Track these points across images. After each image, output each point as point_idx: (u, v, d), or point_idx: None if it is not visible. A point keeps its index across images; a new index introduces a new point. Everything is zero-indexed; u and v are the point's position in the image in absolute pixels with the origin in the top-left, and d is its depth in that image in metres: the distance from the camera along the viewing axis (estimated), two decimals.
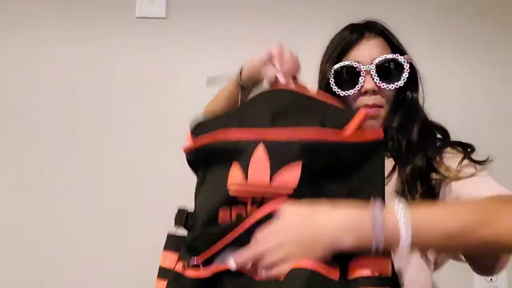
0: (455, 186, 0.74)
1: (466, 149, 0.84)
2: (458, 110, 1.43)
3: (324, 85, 0.84)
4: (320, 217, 0.52)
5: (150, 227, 1.32)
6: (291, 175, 0.53)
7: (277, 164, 0.53)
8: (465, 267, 1.37)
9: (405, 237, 0.49)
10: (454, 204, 0.65)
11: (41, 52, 1.40)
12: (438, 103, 1.40)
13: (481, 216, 0.53)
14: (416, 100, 0.84)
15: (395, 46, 0.84)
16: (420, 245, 0.54)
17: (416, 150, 0.77)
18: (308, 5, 1.47)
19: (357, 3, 1.47)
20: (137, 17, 1.43)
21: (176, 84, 1.40)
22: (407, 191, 0.74)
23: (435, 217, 0.52)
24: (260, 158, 0.54)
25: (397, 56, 0.81)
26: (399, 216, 0.50)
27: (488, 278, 1.33)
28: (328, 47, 0.90)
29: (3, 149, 1.34)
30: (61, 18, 1.42)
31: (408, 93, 0.84)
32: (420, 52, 1.49)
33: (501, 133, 1.42)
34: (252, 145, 0.55)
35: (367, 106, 0.80)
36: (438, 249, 0.64)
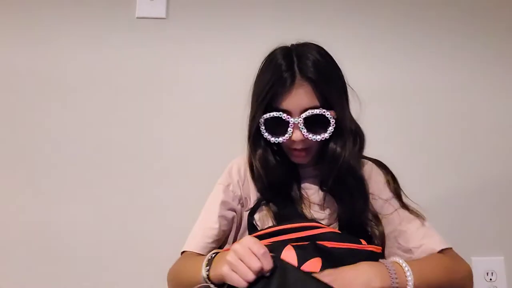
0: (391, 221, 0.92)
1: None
2: (458, 115, 1.43)
3: (254, 128, 0.91)
4: (353, 271, 0.72)
5: (150, 227, 1.32)
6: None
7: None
8: None
9: (410, 279, 0.73)
10: (430, 258, 0.84)
11: (41, 52, 1.40)
12: (438, 108, 1.42)
13: (449, 266, 0.84)
14: (339, 151, 0.89)
15: (323, 95, 0.87)
16: (420, 283, 0.74)
17: (340, 191, 0.90)
18: (308, 5, 1.47)
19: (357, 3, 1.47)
20: (137, 17, 1.43)
21: (176, 84, 1.40)
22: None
23: (425, 266, 0.79)
24: None
25: (324, 111, 0.86)
26: (403, 266, 0.75)
27: (488, 278, 1.33)
28: (260, 79, 0.94)
29: (5, 150, 1.34)
30: (61, 18, 1.42)
31: (331, 144, 0.89)
32: (421, 52, 1.49)
33: (501, 136, 1.43)
34: None
35: (295, 149, 0.90)
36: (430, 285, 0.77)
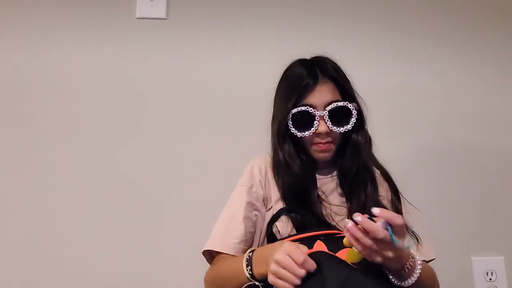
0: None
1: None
2: (458, 111, 1.43)
3: (283, 127, 0.96)
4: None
5: (151, 227, 1.32)
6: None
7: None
8: (465, 267, 1.38)
9: (418, 271, 0.78)
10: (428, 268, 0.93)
11: (41, 52, 1.40)
12: (439, 109, 1.42)
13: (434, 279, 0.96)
14: (361, 140, 0.99)
15: (344, 90, 0.98)
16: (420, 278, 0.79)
17: (359, 185, 0.96)
18: (308, 5, 1.47)
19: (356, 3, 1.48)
20: (137, 18, 1.43)
21: (176, 84, 1.40)
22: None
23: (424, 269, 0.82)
24: None
25: (347, 103, 0.95)
26: (416, 259, 0.79)
27: (488, 278, 1.33)
28: (284, 84, 1.02)
29: (5, 150, 1.34)
30: (62, 19, 1.42)
31: (353, 135, 0.99)
32: (420, 52, 1.49)
33: (501, 134, 1.43)
34: None
35: (320, 143, 0.96)
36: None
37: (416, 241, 0.92)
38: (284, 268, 0.70)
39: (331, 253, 0.75)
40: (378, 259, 0.72)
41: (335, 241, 0.81)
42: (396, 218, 0.70)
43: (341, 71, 1.00)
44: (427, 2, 1.49)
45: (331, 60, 1.01)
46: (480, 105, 1.43)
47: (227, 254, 0.92)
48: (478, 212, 1.37)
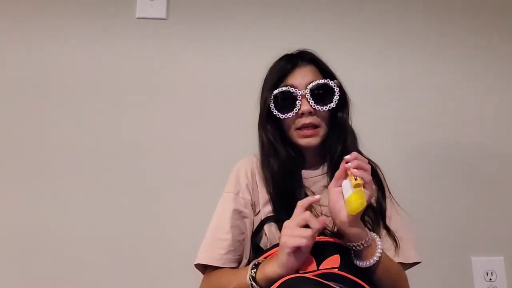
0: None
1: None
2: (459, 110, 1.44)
3: (265, 111, 0.94)
4: None
5: (151, 228, 1.32)
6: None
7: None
8: (465, 267, 1.38)
9: (379, 252, 0.79)
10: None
11: (41, 53, 1.40)
12: (438, 108, 1.42)
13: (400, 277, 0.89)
14: (346, 119, 0.96)
15: (325, 71, 0.96)
16: (381, 264, 0.80)
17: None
18: (309, 5, 1.47)
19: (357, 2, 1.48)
20: (137, 18, 1.43)
21: (176, 84, 1.41)
22: None
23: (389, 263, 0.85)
24: None
25: (328, 81, 0.93)
26: (377, 242, 0.81)
27: (488, 278, 1.33)
28: (266, 77, 1.00)
29: (6, 150, 1.34)
30: (62, 19, 1.42)
31: (339, 113, 0.96)
32: (419, 52, 1.50)
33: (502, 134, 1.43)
34: None
35: (304, 124, 0.92)
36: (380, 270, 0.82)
37: (395, 243, 0.89)
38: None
39: (307, 276, 0.73)
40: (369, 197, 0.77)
41: (321, 248, 0.80)
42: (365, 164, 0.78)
43: (321, 60, 0.98)
44: (426, 2, 1.49)
45: (312, 52, 1.00)
46: (480, 104, 1.44)
47: (215, 266, 0.89)
48: (478, 212, 1.37)
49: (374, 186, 0.82)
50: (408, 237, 0.93)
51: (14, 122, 1.36)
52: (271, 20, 1.46)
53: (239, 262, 0.93)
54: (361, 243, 0.78)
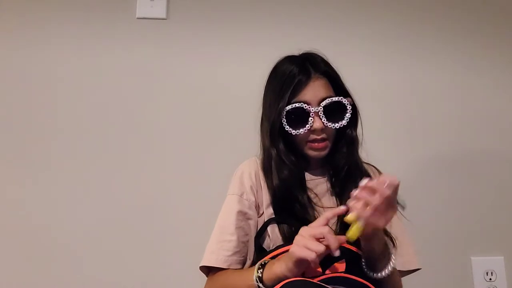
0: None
1: None
2: (457, 111, 1.44)
3: (278, 124, 0.93)
4: None
5: (151, 228, 1.32)
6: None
7: None
8: (465, 267, 1.38)
9: (392, 265, 0.80)
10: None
11: (41, 53, 1.40)
12: (438, 109, 1.42)
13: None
14: (355, 136, 0.97)
15: (338, 85, 0.96)
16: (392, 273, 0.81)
17: (350, 183, 0.92)
18: (309, 6, 1.47)
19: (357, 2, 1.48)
20: (137, 18, 1.43)
21: (176, 85, 1.40)
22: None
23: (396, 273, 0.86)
24: None
25: (342, 99, 0.93)
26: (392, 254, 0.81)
27: (488, 277, 1.33)
28: (273, 79, 0.98)
29: (8, 150, 1.34)
30: (62, 19, 1.42)
31: (348, 130, 0.97)
32: (417, 52, 1.50)
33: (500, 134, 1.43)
34: None
35: (315, 140, 0.93)
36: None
37: (391, 244, 0.90)
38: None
39: (307, 279, 0.74)
40: (383, 221, 0.74)
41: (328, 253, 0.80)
42: (393, 179, 0.73)
43: (332, 66, 0.97)
44: (427, 2, 1.49)
45: (321, 56, 0.99)
46: (481, 106, 1.43)
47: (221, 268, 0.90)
48: (478, 212, 1.37)
49: (394, 204, 0.76)
50: (408, 243, 0.95)
51: (14, 122, 1.36)
52: (271, 21, 1.45)
53: (244, 263, 0.93)
54: (384, 252, 0.79)
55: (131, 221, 1.31)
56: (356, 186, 0.81)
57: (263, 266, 0.80)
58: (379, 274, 0.79)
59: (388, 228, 0.91)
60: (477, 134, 1.42)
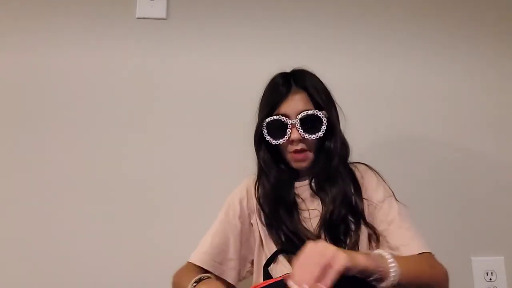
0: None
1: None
2: (455, 109, 1.44)
3: (259, 133, 1.02)
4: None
5: (152, 228, 1.32)
6: None
7: None
8: (465, 267, 1.38)
9: (394, 268, 0.74)
10: (414, 256, 0.89)
11: (41, 52, 1.40)
12: (437, 109, 1.42)
13: (431, 263, 0.91)
14: (331, 147, 1.02)
15: (315, 100, 1.01)
16: (404, 274, 0.75)
17: (329, 186, 0.99)
18: (309, 5, 1.47)
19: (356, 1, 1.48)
20: (137, 18, 1.43)
21: (176, 85, 1.40)
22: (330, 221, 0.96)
23: (410, 260, 0.83)
24: None
25: (317, 111, 0.99)
26: (387, 257, 0.75)
27: (488, 277, 1.33)
28: (262, 98, 1.07)
29: (8, 150, 1.34)
30: (62, 18, 1.42)
31: (326, 142, 1.02)
32: (419, 51, 1.49)
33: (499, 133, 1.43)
34: None
35: (296, 150, 1.00)
36: (408, 281, 0.79)
37: (375, 236, 0.95)
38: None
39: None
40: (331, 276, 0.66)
41: None
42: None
43: (317, 81, 1.04)
44: (426, 1, 1.49)
45: (308, 72, 1.05)
46: (480, 105, 1.43)
47: (198, 265, 0.99)
48: (478, 212, 1.37)
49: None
50: (412, 233, 0.96)
51: (14, 122, 1.36)
52: (271, 21, 1.45)
53: (222, 270, 1.01)
54: (378, 271, 0.72)
55: (131, 221, 1.31)
56: (333, 188, 0.97)
57: (197, 281, 0.87)
58: (388, 281, 0.73)
59: (388, 227, 0.95)
60: (477, 134, 1.42)
